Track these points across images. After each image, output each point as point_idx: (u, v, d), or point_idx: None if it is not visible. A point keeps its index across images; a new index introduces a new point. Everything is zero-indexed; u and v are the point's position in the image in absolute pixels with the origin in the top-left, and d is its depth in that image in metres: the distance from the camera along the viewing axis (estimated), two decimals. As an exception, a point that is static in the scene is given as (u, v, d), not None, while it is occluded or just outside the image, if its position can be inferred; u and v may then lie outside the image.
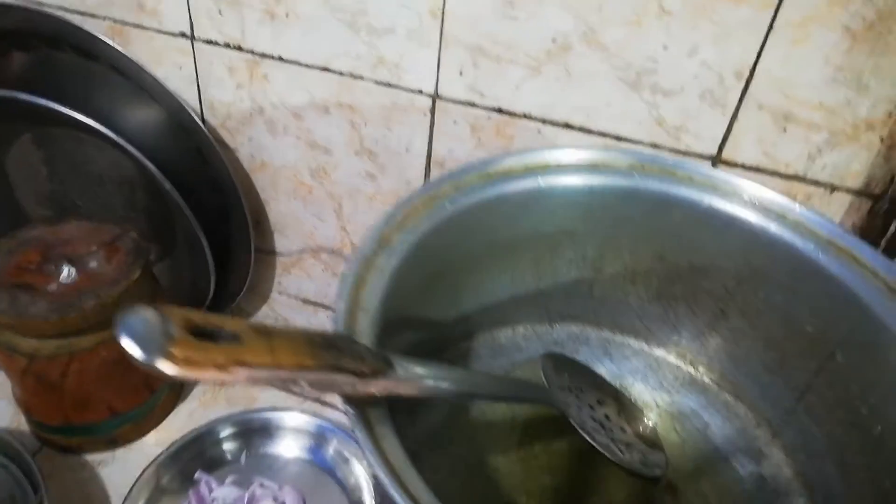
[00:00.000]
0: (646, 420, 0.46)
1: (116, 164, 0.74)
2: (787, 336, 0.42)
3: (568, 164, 0.42)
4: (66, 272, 0.65)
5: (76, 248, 0.67)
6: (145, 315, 0.21)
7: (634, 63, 0.51)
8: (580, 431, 0.41)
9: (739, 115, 0.52)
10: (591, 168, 0.43)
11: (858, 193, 0.52)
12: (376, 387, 0.27)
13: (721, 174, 0.42)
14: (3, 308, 0.59)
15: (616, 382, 0.48)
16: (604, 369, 0.49)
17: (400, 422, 0.33)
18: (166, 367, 0.20)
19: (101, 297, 0.62)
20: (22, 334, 0.62)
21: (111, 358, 0.66)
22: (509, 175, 0.42)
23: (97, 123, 0.62)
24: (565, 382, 0.44)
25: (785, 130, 0.51)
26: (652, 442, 0.45)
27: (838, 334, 0.39)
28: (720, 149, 0.53)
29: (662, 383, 0.48)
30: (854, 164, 0.51)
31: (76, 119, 0.62)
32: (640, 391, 0.48)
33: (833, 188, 0.53)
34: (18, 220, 0.79)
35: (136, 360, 0.20)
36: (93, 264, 0.66)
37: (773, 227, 0.41)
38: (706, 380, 0.48)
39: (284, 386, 0.22)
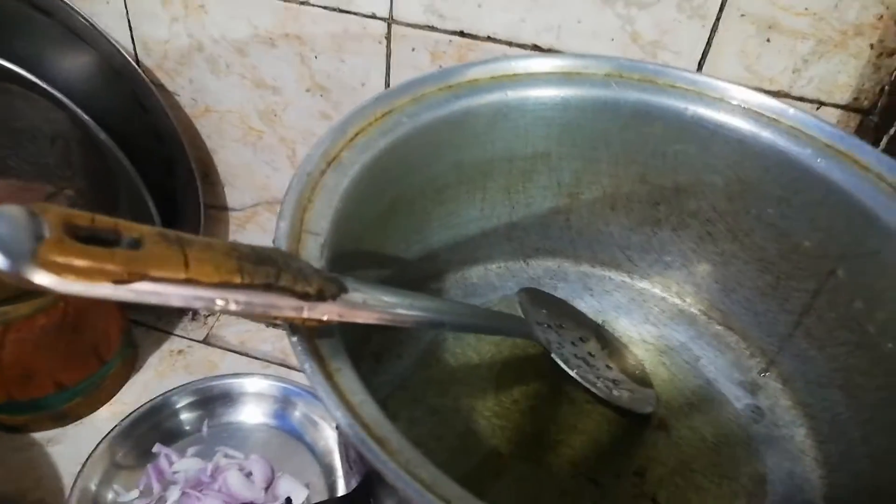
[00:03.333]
0: (632, 356, 0.43)
1: (48, 118, 0.67)
2: (782, 255, 0.39)
3: (539, 74, 0.38)
4: (-6, 234, 0.59)
5: (4, 208, 0.61)
6: (11, 213, 0.16)
7: (606, -30, 0.47)
8: (564, 367, 0.38)
9: (720, 25, 0.48)
10: (565, 78, 0.38)
11: (847, 108, 0.49)
12: (326, 312, 0.23)
13: (707, 79, 0.38)
14: (-80, 274, 0.54)
15: (598, 319, 0.45)
16: (584, 305, 0.45)
17: (364, 369, 0.29)
18: (40, 276, 0.15)
19: (34, 259, 0.57)
20: (-54, 303, 0.56)
21: (52, 326, 0.61)
22: (474, 87, 0.37)
23: (22, 70, 0.56)
24: (544, 319, 0.41)
25: (769, 41, 0.48)
26: (640, 378, 0.41)
27: (840, 248, 0.36)
28: (699, 65, 0.50)
29: (648, 317, 0.45)
30: (842, 75, 0.48)
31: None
32: (625, 326, 0.44)
33: (820, 104, 0.50)
34: (-57, 185, 0.73)
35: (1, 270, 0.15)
36: (24, 225, 0.60)
37: (766, 134, 0.37)
38: (694, 311, 0.45)
39: (206, 307, 0.18)
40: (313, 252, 0.27)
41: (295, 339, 0.23)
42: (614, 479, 0.37)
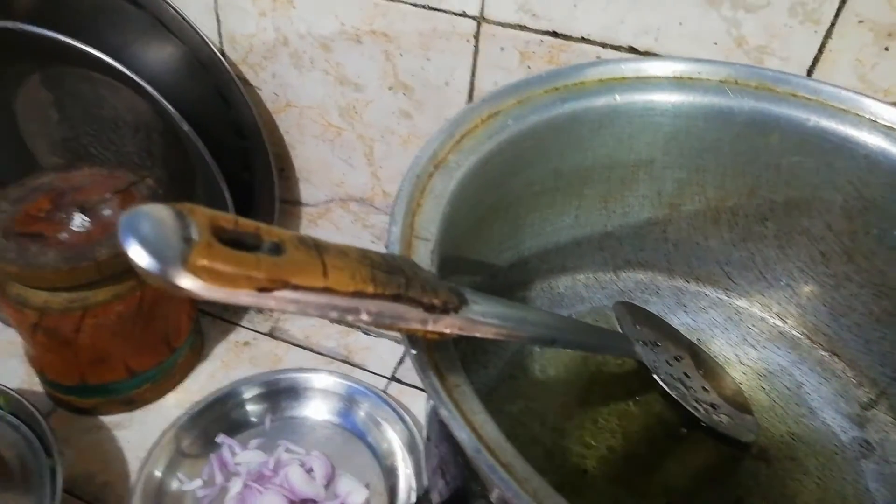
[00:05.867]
0: (729, 378, 0.40)
1: (131, 107, 0.68)
2: (906, 280, 0.36)
3: (650, 78, 0.36)
4: (79, 221, 0.60)
5: (89, 195, 0.62)
6: (159, 214, 0.15)
7: (715, -30, 0.44)
8: (665, 388, 0.36)
9: (834, 31, 0.45)
10: (676, 83, 0.36)
11: (970, 125, 0.46)
12: (449, 325, 0.21)
13: (832, 89, 0.36)
14: (10, 258, 0.55)
15: (693, 337, 0.42)
16: (677, 322, 0.43)
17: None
18: (186, 280, 0.15)
19: (116, 246, 0.57)
20: (31, 286, 0.57)
21: (128, 313, 0.62)
22: (582, 91, 0.35)
23: (110, 59, 0.57)
24: (639, 335, 0.39)
25: (887, 49, 0.45)
26: (739, 403, 0.39)
27: (976, 275, 0.33)
28: (809, 72, 0.47)
29: (746, 338, 0.42)
30: (968, 88, 0.45)
31: (88, 54, 0.56)
32: (721, 346, 0.42)
33: (940, 118, 0.46)
34: (30, 171, 0.75)
35: (147, 271, 0.15)
36: (107, 212, 0.61)
37: (897, 151, 0.34)
38: (797, 333, 0.42)
39: (339, 317, 0.17)
40: (424, 259, 0.26)
41: (415, 352, 0.22)
42: (713, 510, 0.35)
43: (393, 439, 0.66)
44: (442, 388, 0.21)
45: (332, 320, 0.18)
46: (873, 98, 0.36)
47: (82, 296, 0.58)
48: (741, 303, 0.43)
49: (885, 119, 0.35)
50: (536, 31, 0.51)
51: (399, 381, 0.70)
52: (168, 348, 0.69)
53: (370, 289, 0.19)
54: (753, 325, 0.43)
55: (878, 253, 0.37)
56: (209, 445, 0.66)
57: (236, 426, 0.68)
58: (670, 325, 0.42)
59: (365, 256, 0.19)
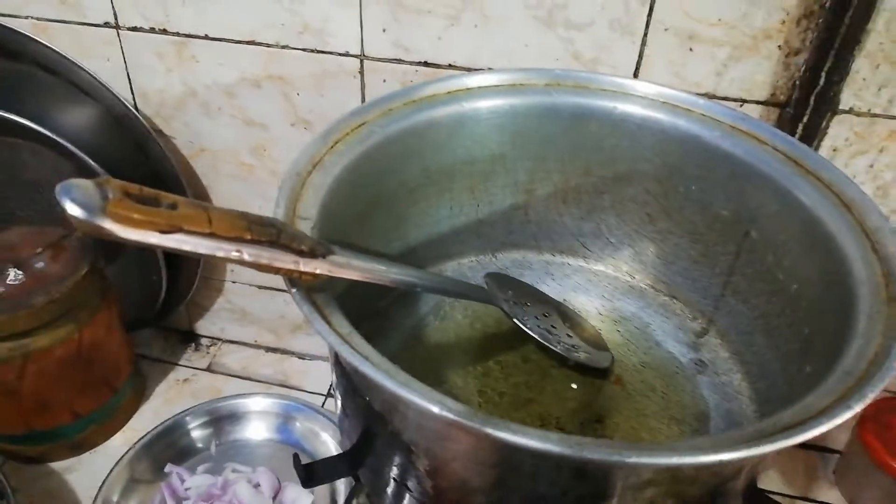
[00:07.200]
0: (590, 326, 0.49)
1: (54, 168, 0.73)
2: (707, 226, 0.45)
3: (488, 87, 0.45)
4: (13, 275, 0.64)
5: (20, 251, 0.67)
6: (83, 184, 0.22)
7: (545, 0, 0.54)
8: (524, 328, 0.43)
9: (648, 40, 0.55)
10: (511, 89, 0.45)
11: (766, 104, 0.56)
12: (318, 267, 0.29)
13: (629, 82, 0.46)
14: (-51, 312, 0.59)
15: (560, 298, 0.51)
16: (547, 288, 0.51)
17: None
18: (107, 223, 0.22)
19: (51, 293, 0.62)
20: (-28, 337, 0.61)
21: (68, 356, 0.66)
22: (434, 101, 0.44)
23: (33, 123, 0.62)
24: (510, 297, 0.47)
25: (691, 50, 0.55)
26: (597, 343, 0.47)
27: (749, 212, 0.42)
28: (635, 75, 0.56)
29: (603, 294, 0.51)
30: (758, 75, 0.55)
31: (9, 120, 0.62)
32: (583, 303, 0.50)
33: (743, 101, 0.56)
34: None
35: (79, 219, 0.21)
36: (39, 265, 0.66)
37: (682, 122, 0.44)
38: (643, 285, 0.51)
39: (226, 257, 0.23)
40: (305, 232, 0.33)
41: (295, 290, 0.29)
42: (577, 427, 0.42)
43: (329, 442, 0.72)
44: (316, 311, 0.28)
45: (223, 259, 0.25)
46: (661, 85, 0.45)
47: (22, 343, 0.63)
48: (597, 267, 0.52)
49: (670, 98, 0.45)
50: (411, 63, 0.60)
51: (334, 396, 0.76)
52: (109, 389, 0.73)
53: (248, 235, 0.26)
54: (609, 284, 0.51)
55: (686, 207, 0.46)
56: (159, 474, 0.70)
57: (183, 454, 0.73)
58: (538, 290, 0.50)
59: (244, 215, 0.27)
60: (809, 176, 0.39)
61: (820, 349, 0.31)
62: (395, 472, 0.33)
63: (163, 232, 0.23)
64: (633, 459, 0.23)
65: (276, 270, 0.27)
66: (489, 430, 0.24)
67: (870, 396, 0.26)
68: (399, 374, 0.27)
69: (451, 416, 0.24)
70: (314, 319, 0.27)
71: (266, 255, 0.26)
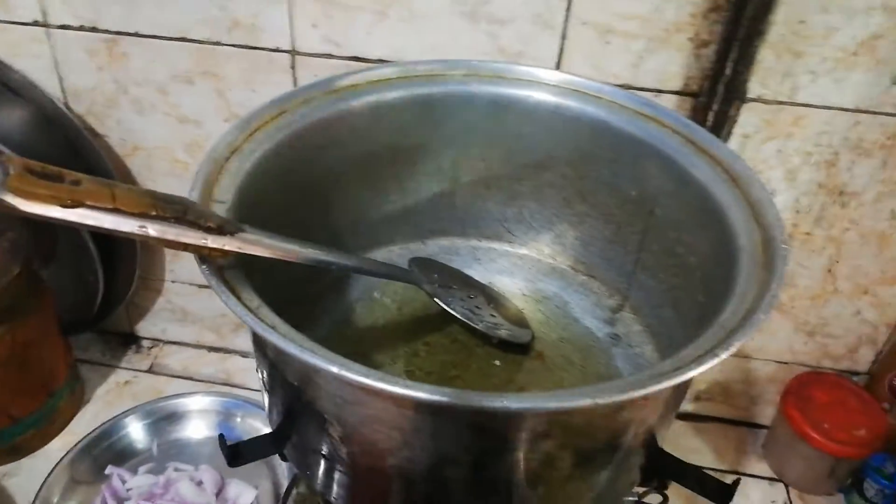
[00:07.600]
0: (513, 306, 0.51)
1: (-15, 169, 0.72)
2: (618, 206, 0.48)
3: (408, 77, 0.47)
4: (-59, 277, 0.63)
5: (-51, 253, 0.66)
6: (-17, 160, 0.23)
7: (468, -5, 0.56)
8: (445, 307, 0.45)
9: (568, 34, 0.57)
10: (429, 79, 0.47)
11: (680, 93, 0.59)
12: (226, 243, 0.30)
13: (541, 71, 0.48)
14: None
15: (486, 281, 0.53)
16: (474, 272, 0.53)
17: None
18: (10, 198, 0.22)
19: (-18, 295, 0.62)
20: None
21: (1, 359, 0.65)
22: (355, 91, 0.45)
23: (-43, 123, 0.62)
24: (436, 280, 0.48)
25: (609, 43, 0.57)
26: (519, 321, 0.49)
27: (653, 191, 0.45)
28: (557, 67, 0.59)
29: (527, 276, 0.53)
30: (672, 66, 0.58)
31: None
32: (507, 285, 0.53)
33: (659, 91, 0.59)
34: None
35: (-22, 195, 0.22)
36: (-30, 268, 0.65)
37: (591, 109, 0.46)
38: (564, 266, 0.53)
39: (131, 231, 0.24)
40: (219, 214, 0.34)
41: (204, 266, 0.30)
42: (499, 399, 0.44)
43: (272, 437, 0.72)
44: (227, 287, 0.29)
45: (129, 234, 0.26)
46: (571, 74, 0.48)
47: (-48, 346, 0.62)
48: (522, 251, 0.54)
49: (579, 86, 0.47)
50: (342, 58, 0.61)
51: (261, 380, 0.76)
52: (46, 392, 0.72)
53: (153, 212, 0.27)
54: (532, 266, 0.54)
55: (599, 190, 0.48)
56: (100, 476, 0.70)
57: (124, 455, 0.73)
58: (464, 273, 0.52)
59: (151, 192, 0.28)
60: (704, 154, 0.41)
61: (711, 315, 0.34)
62: (313, 443, 0.35)
63: (65, 206, 0.24)
64: (515, 405, 0.24)
65: (185, 247, 0.29)
66: (384, 386, 0.25)
67: (735, 345, 0.28)
68: (305, 341, 0.29)
69: (351, 375, 0.26)
70: (221, 292, 0.28)
71: (172, 231, 0.28)
